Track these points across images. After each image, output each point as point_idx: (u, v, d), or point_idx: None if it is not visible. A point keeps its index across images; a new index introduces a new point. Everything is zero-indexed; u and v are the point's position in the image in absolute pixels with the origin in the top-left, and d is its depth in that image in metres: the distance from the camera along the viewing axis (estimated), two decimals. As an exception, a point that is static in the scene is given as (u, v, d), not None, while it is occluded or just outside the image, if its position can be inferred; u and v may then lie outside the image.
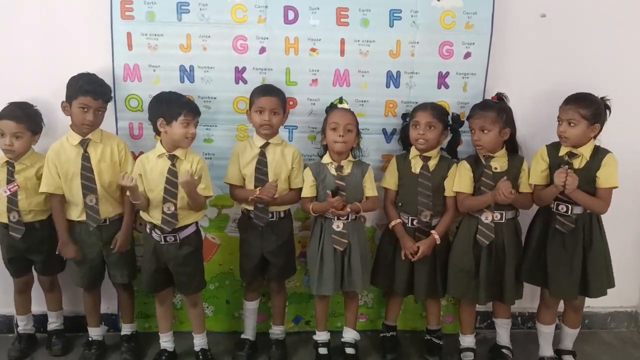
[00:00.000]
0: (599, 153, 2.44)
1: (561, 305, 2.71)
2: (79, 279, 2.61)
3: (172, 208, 2.39)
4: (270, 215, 2.57)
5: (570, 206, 2.45)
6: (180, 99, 2.42)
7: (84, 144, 2.47)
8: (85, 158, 2.47)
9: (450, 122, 2.64)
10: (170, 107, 2.38)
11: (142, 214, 2.48)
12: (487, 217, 2.54)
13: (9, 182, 2.51)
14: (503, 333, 2.78)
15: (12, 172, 2.51)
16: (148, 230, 2.48)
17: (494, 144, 2.51)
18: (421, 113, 2.57)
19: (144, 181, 2.42)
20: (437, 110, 2.59)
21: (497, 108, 2.50)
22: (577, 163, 2.43)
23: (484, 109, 2.52)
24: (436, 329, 2.84)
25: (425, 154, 2.60)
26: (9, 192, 2.51)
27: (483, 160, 2.55)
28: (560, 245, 2.49)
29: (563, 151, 2.47)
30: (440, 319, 2.88)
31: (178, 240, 2.46)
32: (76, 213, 2.52)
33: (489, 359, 2.80)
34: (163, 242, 2.45)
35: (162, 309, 2.63)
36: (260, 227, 2.57)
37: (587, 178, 2.41)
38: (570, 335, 2.71)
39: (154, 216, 2.43)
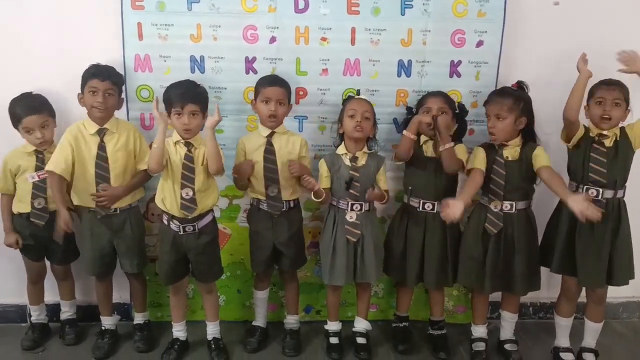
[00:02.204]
0: (623, 133, 2.47)
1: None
2: (90, 267, 2.62)
3: (190, 193, 2.40)
4: (282, 205, 2.57)
5: (600, 190, 2.44)
6: (176, 90, 2.40)
7: (101, 133, 2.48)
8: (102, 147, 2.48)
9: (457, 110, 2.62)
10: (166, 100, 2.40)
11: (158, 204, 2.47)
12: (495, 206, 2.53)
13: (38, 169, 2.54)
14: (507, 327, 2.76)
15: (43, 159, 2.54)
16: (165, 222, 2.48)
17: (508, 132, 2.48)
18: (433, 99, 2.57)
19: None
20: (447, 97, 2.59)
21: (515, 96, 2.48)
22: (608, 142, 2.44)
23: (501, 95, 2.50)
24: (439, 320, 2.82)
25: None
26: (37, 179, 2.54)
27: (497, 147, 2.53)
28: (589, 231, 2.46)
29: (595, 132, 2.45)
30: (443, 309, 2.86)
31: (197, 230, 2.46)
32: (84, 199, 2.52)
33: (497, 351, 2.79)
34: (182, 233, 2.45)
35: (176, 299, 2.65)
36: (276, 216, 2.57)
37: (617, 155, 2.43)
38: (593, 330, 2.65)
39: (172, 205, 2.42)
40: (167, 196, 2.43)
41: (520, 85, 2.54)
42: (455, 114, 2.62)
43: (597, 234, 2.46)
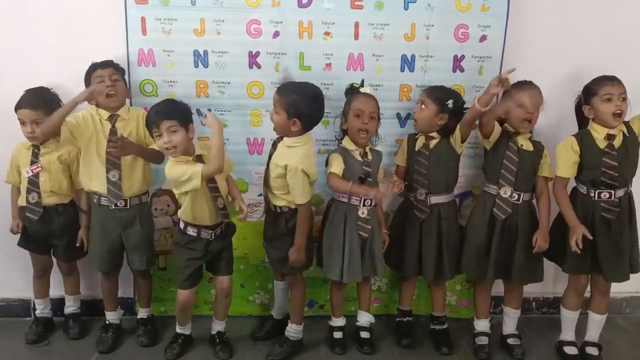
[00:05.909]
0: (628, 126, 2.47)
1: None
2: (98, 263, 2.63)
3: (222, 202, 2.44)
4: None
5: (612, 192, 2.44)
6: (152, 110, 2.37)
7: (113, 119, 2.48)
8: (113, 133, 2.47)
9: (451, 105, 2.53)
10: (147, 123, 2.37)
11: (187, 219, 2.44)
12: (505, 192, 2.53)
13: (32, 163, 2.55)
14: (510, 322, 2.76)
15: (37, 154, 2.55)
16: (195, 234, 2.46)
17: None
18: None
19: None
20: (433, 93, 2.56)
21: None
22: (617, 143, 2.43)
23: (534, 86, 2.51)
24: (440, 315, 2.82)
25: (429, 134, 2.58)
26: (31, 173, 2.55)
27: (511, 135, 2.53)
28: (606, 230, 2.47)
29: (602, 134, 2.43)
30: (444, 305, 2.85)
31: (224, 229, 2.52)
32: (94, 185, 2.52)
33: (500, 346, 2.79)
34: (213, 238, 2.48)
35: None
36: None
37: (627, 154, 2.43)
38: (597, 323, 2.64)
39: (204, 216, 2.43)
40: (198, 211, 2.41)
41: None
42: (446, 108, 2.54)
43: (614, 229, 2.47)
